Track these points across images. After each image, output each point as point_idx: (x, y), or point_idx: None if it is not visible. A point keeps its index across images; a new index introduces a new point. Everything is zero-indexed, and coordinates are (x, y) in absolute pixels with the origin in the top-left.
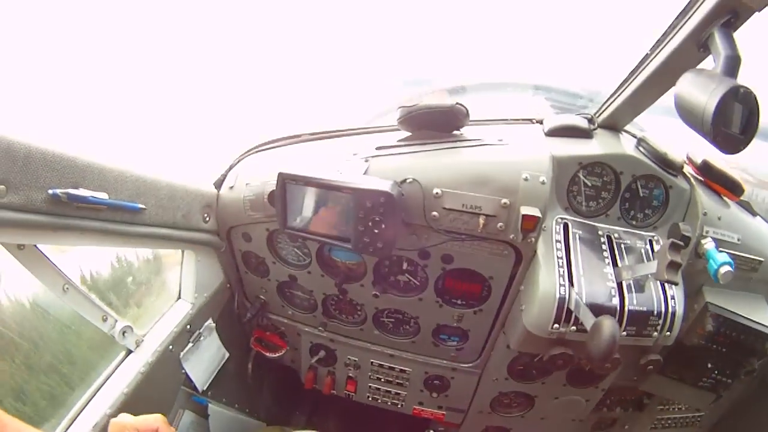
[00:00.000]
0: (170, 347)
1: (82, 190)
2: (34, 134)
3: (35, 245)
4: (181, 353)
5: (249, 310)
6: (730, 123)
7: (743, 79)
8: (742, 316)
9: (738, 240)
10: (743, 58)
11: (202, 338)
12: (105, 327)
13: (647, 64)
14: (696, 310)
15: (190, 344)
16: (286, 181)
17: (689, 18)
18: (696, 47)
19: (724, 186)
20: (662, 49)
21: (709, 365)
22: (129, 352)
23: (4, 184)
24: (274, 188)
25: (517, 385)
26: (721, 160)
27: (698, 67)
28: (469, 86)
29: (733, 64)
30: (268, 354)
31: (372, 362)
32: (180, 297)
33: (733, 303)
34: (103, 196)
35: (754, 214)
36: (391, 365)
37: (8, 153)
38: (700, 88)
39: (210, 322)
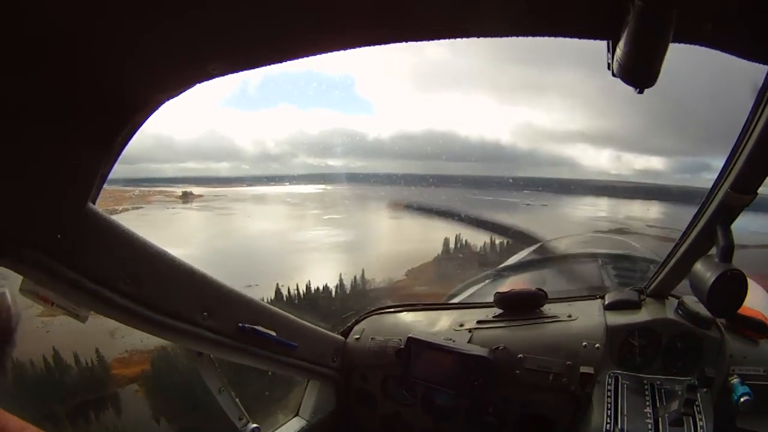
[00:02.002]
0: None
1: (258, 327)
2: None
3: (210, 355)
4: None
5: None
6: (723, 295)
7: None
8: None
9: (764, 372)
10: (735, 246)
11: None
12: (239, 424)
13: (682, 246)
14: None
15: None
16: (412, 342)
17: (703, 218)
18: (707, 237)
19: (750, 329)
20: (691, 235)
21: None
22: None
23: (207, 311)
24: (401, 345)
25: None
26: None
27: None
28: (546, 259)
29: (727, 253)
30: None
31: None
32: (298, 413)
33: (765, 426)
34: (272, 333)
35: None
36: None
37: (216, 292)
38: (705, 271)
39: None
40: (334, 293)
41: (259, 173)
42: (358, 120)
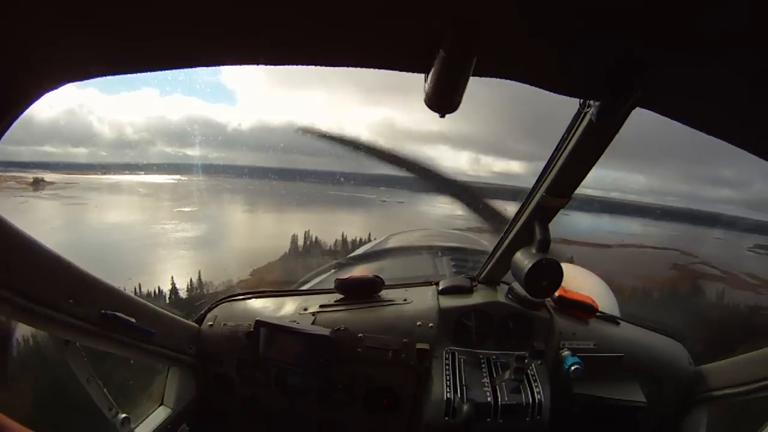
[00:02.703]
0: None
1: (120, 314)
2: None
3: (76, 343)
4: None
5: (215, 421)
6: (538, 280)
7: None
8: (604, 396)
9: (594, 345)
10: (551, 240)
11: None
12: (110, 415)
13: (506, 240)
14: (570, 400)
15: None
16: (260, 325)
17: (524, 215)
18: (527, 232)
19: (578, 310)
20: (513, 230)
21: None
22: None
23: (73, 298)
24: (251, 329)
25: None
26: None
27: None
28: (389, 250)
29: (544, 245)
30: None
31: None
32: (163, 402)
33: (602, 389)
34: (132, 320)
35: (617, 323)
36: None
37: (82, 279)
38: (523, 259)
39: (185, 426)
40: (167, 298)
41: (116, 160)
42: (219, 109)
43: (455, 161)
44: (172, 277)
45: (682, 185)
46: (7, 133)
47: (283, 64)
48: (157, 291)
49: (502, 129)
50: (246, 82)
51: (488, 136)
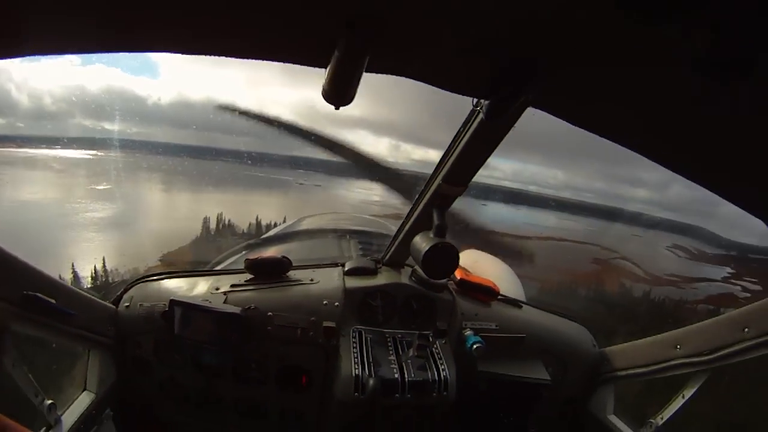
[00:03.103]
0: (81, 426)
1: (40, 294)
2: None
3: None
4: None
5: (136, 404)
6: (435, 262)
7: None
8: (508, 374)
9: (496, 326)
10: (447, 226)
11: (104, 423)
12: (36, 401)
13: (407, 225)
14: (475, 377)
15: (95, 427)
16: (174, 304)
17: (423, 201)
18: (426, 218)
19: (480, 292)
20: (414, 215)
21: (501, 414)
22: (49, 427)
23: None
24: (166, 309)
25: None
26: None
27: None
28: (300, 232)
29: (441, 230)
30: None
31: None
32: (86, 387)
33: (507, 368)
34: (53, 300)
35: (519, 306)
36: None
37: (2, 257)
38: (421, 243)
39: (109, 411)
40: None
41: (33, 133)
42: (140, 82)
43: (375, 147)
44: (72, 265)
45: (600, 183)
46: None
47: (185, 53)
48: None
49: (422, 117)
50: (167, 57)
51: (409, 124)
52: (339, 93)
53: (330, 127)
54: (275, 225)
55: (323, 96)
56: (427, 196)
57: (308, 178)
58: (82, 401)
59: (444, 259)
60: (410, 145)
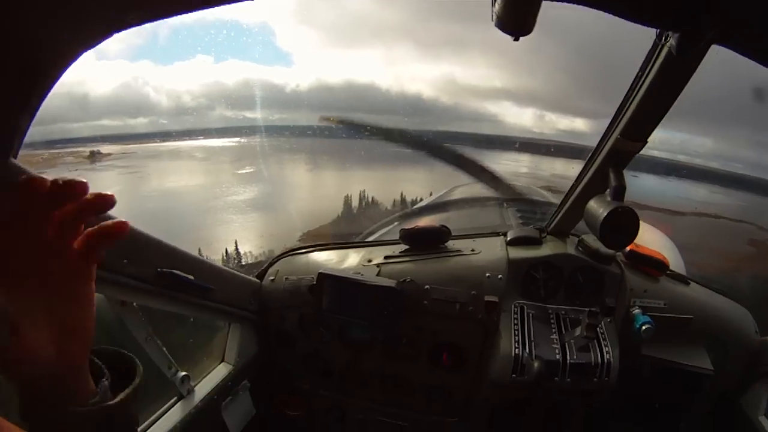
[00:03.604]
0: (214, 397)
1: (177, 271)
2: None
3: (134, 303)
4: (222, 404)
5: (276, 376)
6: (614, 229)
7: None
8: (673, 361)
9: (664, 305)
10: (626, 187)
11: (239, 395)
12: (169, 374)
13: (577, 188)
14: (637, 362)
15: (230, 398)
16: (323, 277)
17: (596, 161)
18: (600, 180)
19: (650, 266)
20: (586, 177)
21: (657, 404)
22: (181, 397)
23: (127, 258)
24: (313, 282)
25: None
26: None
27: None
28: (455, 201)
29: (619, 193)
30: (289, 413)
31: (376, 419)
32: (224, 359)
33: (670, 353)
34: (190, 277)
35: (687, 282)
36: (391, 421)
37: (135, 239)
38: (598, 207)
39: (246, 383)
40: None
41: (176, 127)
42: (275, 71)
43: (519, 118)
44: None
45: (749, 151)
46: (65, 112)
47: None
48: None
49: (567, 85)
50: (298, 43)
51: (552, 93)
52: (517, 18)
53: (472, 99)
54: (420, 200)
55: (497, 25)
56: (602, 154)
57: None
58: (219, 372)
59: (625, 225)
60: (555, 115)
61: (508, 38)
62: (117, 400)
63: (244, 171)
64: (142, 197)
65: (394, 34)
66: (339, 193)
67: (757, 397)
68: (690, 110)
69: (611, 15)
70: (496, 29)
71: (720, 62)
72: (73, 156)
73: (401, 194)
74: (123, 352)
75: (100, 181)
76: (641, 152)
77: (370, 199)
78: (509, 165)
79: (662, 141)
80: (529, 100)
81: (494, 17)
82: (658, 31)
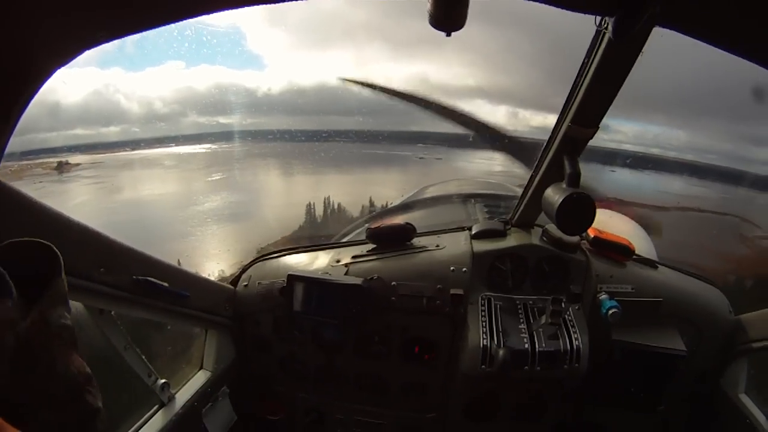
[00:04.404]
0: (195, 404)
1: (152, 278)
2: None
3: (111, 311)
4: (203, 410)
5: (254, 381)
6: (570, 215)
7: None
8: (644, 344)
9: (632, 289)
10: (581, 173)
11: (219, 401)
12: (149, 381)
13: (535, 179)
14: (608, 346)
15: (210, 404)
16: (293, 279)
17: (551, 150)
18: (557, 169)
19: (615, 251)
20: (542, 167)
21: (632, 388)
22: (162, 404)
23: (104, 267)
24: (284, 285)
25: (472, 425)
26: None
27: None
28: (423, 200)
29: (574, 179)
30: (269, 417)
31: (355, 418)
32: (202, 366)
33: (641, 336)
34: (165, 284)
35: (655, 266)
36: (370, 420)
37: (111, 247)
38: (554, 195)
39: (225, 389)
40: None
41: (149, 135)
42: (247, 75)
43: (493, 116)
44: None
45: (724, 143)
46: (36, 122)
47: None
48: None
49: (538, 82)
50: (269, 46)
51: (525, 90)
52: (448, 15)
53: (445, 98)
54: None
55: (431, 23)
56: (556, 143)
57: (428, 152)
58: (198, 379)
59: (581, 210)
60: (528, 112)
61: (481, 35)
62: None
63: (214, 178)
64: (107, 208)
65: (365, 33)
66: (311, 198)
67: (735, 376)
68: (662, 102)
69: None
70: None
71: (689, 51)
72: (41, 167)
73: (370, 199)
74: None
75: (65, 193)
76: (614, 146)
77: (335, 206)
78: (483, 163)
79: (636, 135)
80: (502, 97)
81: (429, 16)
82: (598, 18)
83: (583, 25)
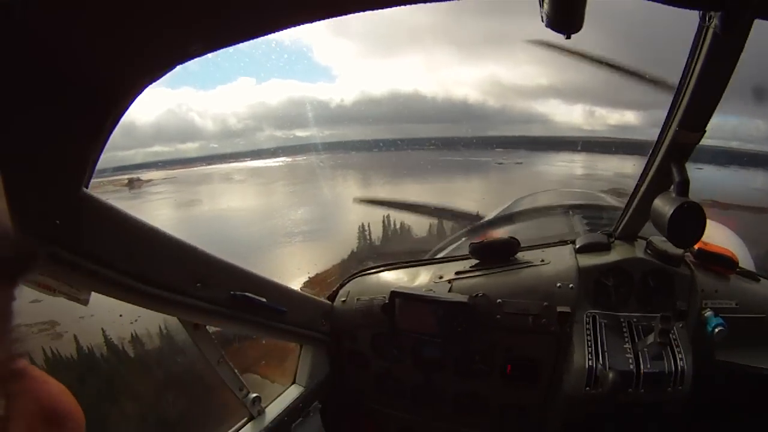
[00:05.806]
0: (285, 419)
1: (249, 294)
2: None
3: (206, 326)
4: (292, 426)
5: (347, 398)
6: (683, 226)
7: None
8: (750, 366)
9: (736, 305)
10: (690, 181)
11: (310, 416)
12: (240, 395)
13: (641, 188)
14: (710, 368)
15: (300, 419)
16: (395, 296)
17: (658, 158)
18: (664, 176)
19: (719, 264)
20: (648, 175)
21: (739, 415)
22: (251, 418)
23: (200, 282)
24: (385, 301)
25: None
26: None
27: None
28: (520, 212)
29: (683, 187)
30: None
31: None
32: (295, 381)
33: (743, 356)
34: (263, 299)
35: (758, 279)
36: None
37: (208, 263)
38: (663, 205)
39: (317, 404)
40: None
41: (227, 150)
42: (318, 87)
43: (569, 116)
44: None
45: None
46: (115, 141)
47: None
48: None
49: (613, 78)
50: (339, 58)
51: (601, 87)
52: (569, 17)
53: (519, 99)
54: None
55: (548, 25)
56: (663, 149)
57: (507, 157)
58: (290, 394)
59: (692, 221)
60: (605, 110)
61: (547, 32)
62: None
63: (293, 188)
64: (178, 220)
65: (431, 37)
66: (386, 212)
67: None
68: (739, 92)
69: (652, 2)
70: (534, 23)
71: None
72: (113, 184)
73: (439, 221)
74: None
75: (134, 209)
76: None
77: (396, 227)
78: (564, 166)
79: (714, 127)
80: (577, 95)
81: (544, 17)
82: (701, 13)
83: (656, 17)
